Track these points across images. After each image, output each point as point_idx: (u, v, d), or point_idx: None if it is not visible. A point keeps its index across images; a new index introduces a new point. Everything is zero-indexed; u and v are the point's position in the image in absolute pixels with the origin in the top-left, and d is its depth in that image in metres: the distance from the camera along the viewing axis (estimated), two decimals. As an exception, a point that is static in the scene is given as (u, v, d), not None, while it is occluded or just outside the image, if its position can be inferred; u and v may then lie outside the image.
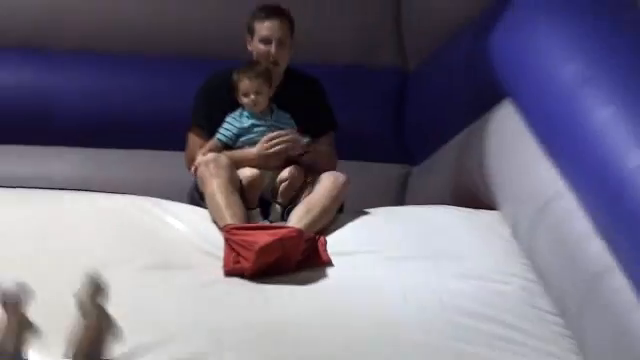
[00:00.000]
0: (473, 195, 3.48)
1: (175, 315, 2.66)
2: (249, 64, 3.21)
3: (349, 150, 3.53)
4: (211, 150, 3.18)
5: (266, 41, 3.17)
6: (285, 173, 3.15)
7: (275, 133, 3.10)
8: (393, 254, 3.12)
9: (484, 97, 3.44)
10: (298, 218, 3.05)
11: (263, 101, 3.06)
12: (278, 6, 3.26)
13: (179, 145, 3.37)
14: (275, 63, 3.15)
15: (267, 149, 3.10)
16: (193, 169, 3.18)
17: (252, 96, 3.04)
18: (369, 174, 3.87)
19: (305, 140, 3.23)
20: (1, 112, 3.76)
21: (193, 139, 3.27)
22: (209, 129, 3.20)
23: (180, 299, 2.78)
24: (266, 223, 3.11)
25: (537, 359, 2.80)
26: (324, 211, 3.12)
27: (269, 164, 3.10)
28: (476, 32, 3.52)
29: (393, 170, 4.01)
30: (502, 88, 3.32)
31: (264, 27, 3.19)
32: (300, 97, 3.28)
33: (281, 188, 3.16)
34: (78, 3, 3.88)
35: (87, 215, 3.17)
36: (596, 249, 2.81)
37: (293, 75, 3.29)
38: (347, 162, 3.56)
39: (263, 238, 2.83)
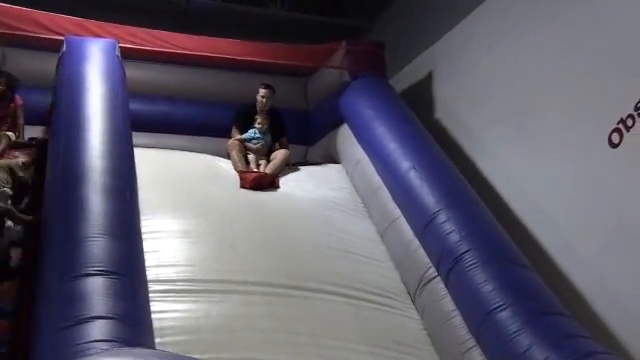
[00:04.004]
0: (332, 158, 6.00)
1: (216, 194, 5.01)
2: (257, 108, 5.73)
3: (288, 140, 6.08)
4: (238, 139, 5.72)
5: (262, 96, 5.78)
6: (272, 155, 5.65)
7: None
8: (301, 179, 5.54)
9: (337, 121, 5.99)
10: (268, 169, 5.52)
11: (264, 127, 5.74)
12: (269, 84, 5.78)
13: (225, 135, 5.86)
14: (265, 106, 5.79)
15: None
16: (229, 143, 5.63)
17: (261, 125, 5.72)
18: (296, 151, 6.16)
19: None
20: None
21: (233, 131, 5.78)
22: (239, 127, 5.77)
23: (217, 188, 5.07)
24: (255, 170, 5.51)
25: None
26: (279, 166, 5.58)
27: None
28: (336, 99, 5.96)
29: (301, 148, 6.39)
30: (344, 119, 5.91)
31: (262, 91, 5.79)
32: (274, 120, 5.82)
33: (264, 161, 5.60)
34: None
35: (187, 159, 5.58)
36: (386, 194, 4.97)
37: (272, 110, 5.82)
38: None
39: (253, 175, 5.38)
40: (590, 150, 4.35)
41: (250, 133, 5.78)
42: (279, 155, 5.72)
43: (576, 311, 3.94)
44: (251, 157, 5.65)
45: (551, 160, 4.75)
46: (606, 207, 4.22)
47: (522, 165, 5.05)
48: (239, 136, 5.78)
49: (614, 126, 4.14)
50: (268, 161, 5.68)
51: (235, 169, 5.52)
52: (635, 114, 4.01)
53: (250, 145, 5.74)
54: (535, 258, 4.37)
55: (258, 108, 5.91)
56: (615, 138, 4.15)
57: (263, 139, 5.77)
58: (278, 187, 5.38)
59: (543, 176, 4.81)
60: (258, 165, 5.61)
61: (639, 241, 3.92)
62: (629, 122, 4.06)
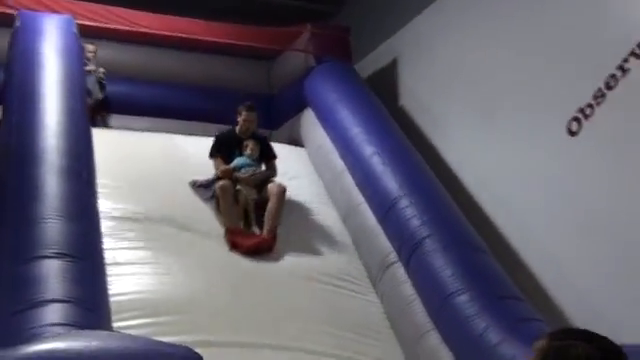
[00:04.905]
0: (296, 142, 6.06)
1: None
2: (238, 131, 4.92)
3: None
4: (225, 170, 4.80)
5: (245, 120, 5.02)
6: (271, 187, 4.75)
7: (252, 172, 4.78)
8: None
9: (302, 105, 6.08)
10: (267, 224, 4.58)
11: (256, 153, 4.93)
12: (252, 105, 5.08)
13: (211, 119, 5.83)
14: (249, 130, 5.00)
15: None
16: (217, 174, 4.79)
17: (252, 151, 4.89)
18: None
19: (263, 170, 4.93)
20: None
21: (217, 163, 4.91)
22: (222, 157, 4.90)
23: (178, 170, 5.00)
24: (247, 231, 4.59)
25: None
26: (278, 215, 4.69)
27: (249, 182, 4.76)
28: (300, 83, 6.01)
29: (266, 132, 6.02)
30: (308, 104, 5.99)
31: (245, 114, 5.06)
32: (262, 145, 5.07)
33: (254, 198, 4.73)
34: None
35: (146, 141, 5.56)
36: (349, 179, 4.98)
37: (255, 134, 5.11)
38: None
39: (248, 243, 4.44)
40: (549, 138, 4.44)
41: (239, 160, 4.93)
42: (275, 198, 4.70)
43: (532, 295, 4.04)
44: (241, 198, 4.74)
45: (512, 148, 4.85)
46: (563, 195, 4.32)
47: (483, 152, 5.14)
48: (225, 166, 4.89)
49: (573, 115, 4.24)
50: (259, 192, 4.84)
51: (223, 222, 4.57)
52: (594, 103, 4.12)
53: (240, 175, 4.85)
54: (494, 244, 4.46)
55: (240, 132, 5.13)
56: (574, 127, 4.26)
57: (254, 166, 4.96)
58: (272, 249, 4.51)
59: (504, 163, 4.90)
60: (247, 211, 4.73)
61: (595, 227, 4.02)
62: (588, 111, 4.17)
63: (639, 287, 3.63)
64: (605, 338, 1.44)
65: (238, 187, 4.79)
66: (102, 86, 5.70)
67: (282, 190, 4.79)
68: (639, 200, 3.75)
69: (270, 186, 4.87)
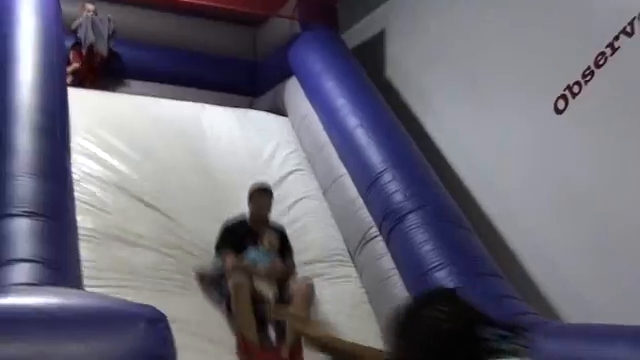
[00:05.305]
0: (280, 111, 5.97)
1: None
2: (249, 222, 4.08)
3: (234, 90, 6.14)
4: (241, 267, 3.83)
5: (261, 206, 4.18)
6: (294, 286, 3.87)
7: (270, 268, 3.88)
8: (246, 134, 5.41)
9: (286, 73, 5.94)
10: (288, 345, 3.62)
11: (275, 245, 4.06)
12: (268, 187, 4.25)
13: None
14: (263, 216, 4.18)
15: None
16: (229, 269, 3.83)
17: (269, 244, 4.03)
18: (241, 102, 6.28)
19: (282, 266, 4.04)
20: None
21: (228, 258, 3.94)
22: (233, 251, 3.99)
23: (155, 134, 4.92)
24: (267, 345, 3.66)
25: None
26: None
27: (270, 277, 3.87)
28: (285, 50, 5.83)
29: (248, 99, 6.42)
30: (293, 72, 5.83)
31: (259, 200, 4.18)
32: (278, 237, 4.16)
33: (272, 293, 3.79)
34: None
35: (126, 103, 5.37)
36: (332, 150, 4.88)
37: (271, 223, 4.22)
38: (232, 96, 6.11)
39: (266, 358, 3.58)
40: (536, 116, 4.39)
41: (253, 255, 4.07)
42: (301, 300, 3.83)
43: (511, 274, 4.03)
44: (263, 290, 3.90)
45: (498, 124, 4.78)
46: (549, 173, 4.29)
47: (469, 128, 5.07)
48: (239, 263, 3.98)
49: (560, 92, 4.20)
50: (282, 286, 4.01)
51: (236, 327, 3.72)
52: (582, 81, 4.07)
53: (257, 270, 3.99)
54: (476, 220, 4.43)
55: (252, 221, 4.26)
56: (560, 104, 4.22)
57: (272, 260, 4.09)
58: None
59: (490, 140, 4.85)
60: (264, 311, 3.80)
61: (580, 205, 4.00)
62: (575, 89, 4.13)
63: (617, 265, 3.64)
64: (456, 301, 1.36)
65: (255, 282, 3.92)
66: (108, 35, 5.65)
67: (310, 290, 3.97)
68: (624, 178, 3.73)
69: (294, 282, 4.04)
